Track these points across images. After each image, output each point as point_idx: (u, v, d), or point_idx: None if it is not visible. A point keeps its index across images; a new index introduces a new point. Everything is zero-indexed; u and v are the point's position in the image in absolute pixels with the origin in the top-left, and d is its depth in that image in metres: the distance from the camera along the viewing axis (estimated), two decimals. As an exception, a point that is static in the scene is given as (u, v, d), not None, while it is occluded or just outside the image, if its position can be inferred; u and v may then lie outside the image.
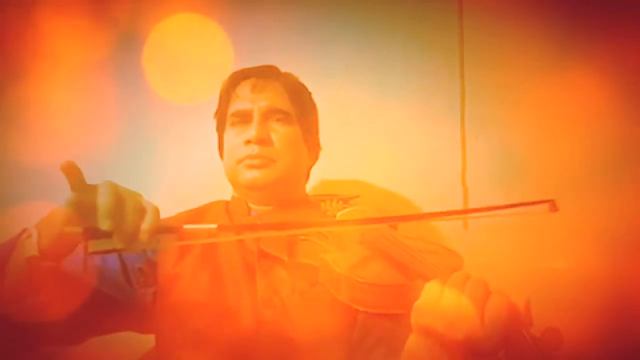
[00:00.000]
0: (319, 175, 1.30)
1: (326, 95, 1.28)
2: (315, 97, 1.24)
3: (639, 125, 1.36)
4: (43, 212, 0.83)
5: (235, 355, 0.96)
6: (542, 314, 1.26)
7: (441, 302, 0.73)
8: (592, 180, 1.38)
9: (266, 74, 1.18)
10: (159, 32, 1.43)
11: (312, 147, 1.22)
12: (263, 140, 1.11)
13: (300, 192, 1.22)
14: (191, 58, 1.48)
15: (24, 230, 0.84)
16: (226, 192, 1.21)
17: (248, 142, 1.11)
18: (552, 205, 0.86)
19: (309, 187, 1.27)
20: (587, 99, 1.38)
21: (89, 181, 0.78)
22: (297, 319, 0.97)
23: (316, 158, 1.25)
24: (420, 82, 1.49)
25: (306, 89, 1.23)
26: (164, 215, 1.12)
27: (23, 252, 0.81)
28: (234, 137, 1.14)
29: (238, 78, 1.18)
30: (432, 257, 0.85)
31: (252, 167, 1.11)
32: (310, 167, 1.24)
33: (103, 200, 0.73)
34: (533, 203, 0.85)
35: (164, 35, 1.44)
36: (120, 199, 0.75)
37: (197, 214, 1.15)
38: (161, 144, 1.50)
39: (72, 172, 0.75)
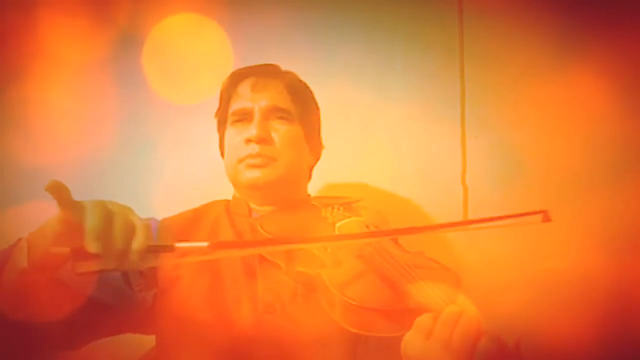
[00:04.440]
0: (318, 175, 1.30)
1: (326, 96, 1.28)
2: (315, 97, 1.24)
3: (639, 126, 1.36)
4: (43, 213, 0.82)
5: (236, 357, 0.96)
6: (542, 314, 1.26)
7: (431, 339, 0.73)
8: (592, 180, 1.38)
9: (267, 72, 1.18)
10: (159, 32, 1.43)
11: (314, 145, 1.21)
12: (264, 139, 1.10)
13: (301, 192, 1.22)
14: (191, 58, 1.48)
15: (19, 240, 0.83)
16: (227, 192, 1.21)
17: (249, 141, 1.10)
18: (545, 216, 0.86)
19: (310, 187, 1.27)
20: (587, 99, 1.38)
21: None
22: (298, 323, 0.96)
23: (318, 157, 1.24)
24: (420, 82, 1.49)
25: (307, 87, 1.22)
26: (164, 215, 1.13)
27: (16, 264, 0.80)
28: (235, 136, 1.14)
29: (238, 77, 1.18)
30: (426, 279, 0.85)
31: (253, 166, 1.10)
32: (312, 166, 1.24)
33: (90, 221, 0.71)
34: (526, 214, 0.85)
35: (164, 35, 1.43)
36: (109, 218, 0.72)
37: (198, 214, 1.15)
38: (161, 143, 1.50)
39: (59, 191, 0.72)
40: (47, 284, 0.83)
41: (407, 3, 1.50)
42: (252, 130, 1.10)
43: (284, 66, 1.22)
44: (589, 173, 1.38)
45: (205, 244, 0.77)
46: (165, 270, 1.04)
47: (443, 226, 1.03)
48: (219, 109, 1.20)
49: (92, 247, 0.70)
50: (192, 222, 1.12)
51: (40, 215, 0.82)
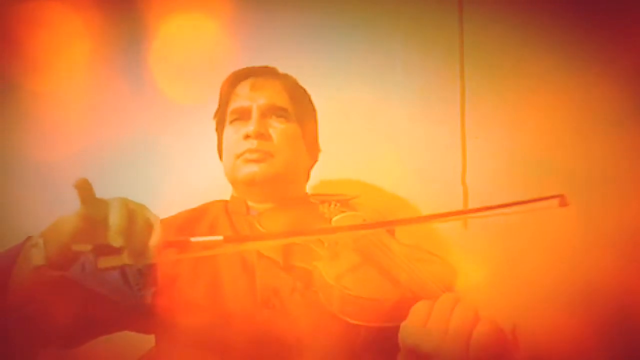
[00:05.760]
0: (318, 174, 1.30)
1: (326, 95, 1.28)
2: (315, 97, 1.25)
3: (639, 126, 1.36)
4: (50, 208, 0.82)
5: (235, 354, 0.96)
6: (541, 313, 1.26)
7: (428, 326, 0.73)
8: (591, 180, 1.37)
9: (265, 73, 1.20)
10: (165, 31, 1.44)
11: (311, 147, 1.22)
12: (262, 135, 1.12)
13: (299, 191, 1.22)
14: (194, 58, 1.49)
15: (29, 238, 0.83)
16: (227, 192, 1.21)
17: (247, 136, 1.12)
18: (562, 200, 0.84)
19: (309, 186, 1.28)
20: (587, 99, 1.38)
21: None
22: (296, 319, 0.97)
23: (315, 159, 1.25)
24: (420, 82, 1.49)
25: (305, 90, 1.24)
26: (165, 214, 1.13)
27: (29, 261, 0.80)
28: (233, 133, 1.15)
29: (237, 78, 1.19)
30: (423, 269, 0.85)
31: (250, 161, 1.11)
32: (310, 168, 1.25)
33: (116, 218, 0.73)
34: (542, 199, 0.84)
35: (171, 34, 1.44)
36: (131, 215, 0.74)
37: (197, 214, 1.15)
38: (164, 142, 1.50)
39: (85, 189, 0.73)
40: (55, 281, 0.84)
41: (407, 3, 1.51)
42: (250, 126, 1.11)
43: (284, 66, 1.23)
44: (590, 173, 1.38)
45: (219, 237, 0.79)
46: (164, 269, 1.04)
47: (444, 215, 0.99)
48: (217, 110, 1.22)
49: (116, 242, 0.72)
50: (190, 222, 1.12)
51: (45, 208, 0.82)
